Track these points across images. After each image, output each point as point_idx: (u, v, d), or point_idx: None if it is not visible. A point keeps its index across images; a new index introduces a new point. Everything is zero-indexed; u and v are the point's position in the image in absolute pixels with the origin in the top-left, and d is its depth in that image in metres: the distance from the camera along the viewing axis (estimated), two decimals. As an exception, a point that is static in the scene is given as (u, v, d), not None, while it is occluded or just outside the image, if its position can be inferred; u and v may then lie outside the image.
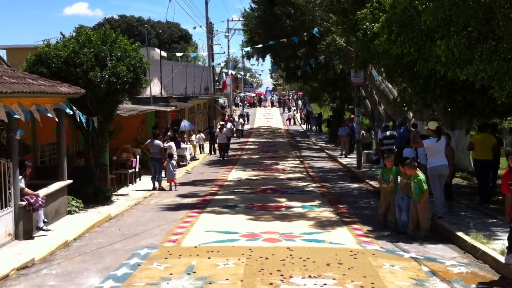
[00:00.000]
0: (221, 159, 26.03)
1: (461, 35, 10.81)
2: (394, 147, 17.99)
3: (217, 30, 56.58)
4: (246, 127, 47.01)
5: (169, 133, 19.72)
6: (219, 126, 28.25)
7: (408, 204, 10.29)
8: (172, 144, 18.12)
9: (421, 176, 10.16)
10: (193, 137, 28.09)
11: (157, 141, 17.03)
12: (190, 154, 24.48)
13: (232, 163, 24.45)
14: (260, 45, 31.17)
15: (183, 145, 23.48)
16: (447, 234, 10.36)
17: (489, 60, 10.36)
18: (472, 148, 13.11)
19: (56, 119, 11.76)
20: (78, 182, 13.24)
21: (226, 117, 36.98)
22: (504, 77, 10.21)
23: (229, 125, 29.55)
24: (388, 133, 18.65)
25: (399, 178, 10.67)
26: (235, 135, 37.01)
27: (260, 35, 34.47)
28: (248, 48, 37.46)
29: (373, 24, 13.10)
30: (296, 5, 26.64)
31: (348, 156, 24.90)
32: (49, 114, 11.05)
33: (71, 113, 12.24)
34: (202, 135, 30.39)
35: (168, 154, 17.26)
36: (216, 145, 27.86)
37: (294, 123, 53.78)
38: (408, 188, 10.27)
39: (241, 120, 42.70)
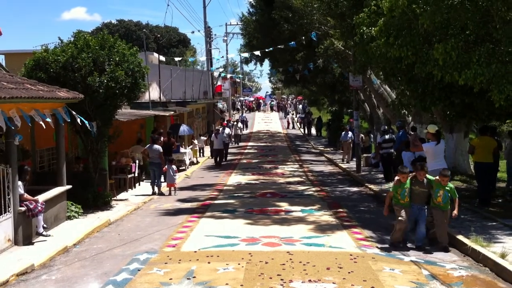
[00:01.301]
0: (218, 165, 24.91)
1: (458, 39, 10.84)
2: (392, 150, 17.98)
3: (215, 35, 56.70)
4: (245, 131, 46.78)
5: (162, 139, 19.05)
6: (214, 131, 26.80)
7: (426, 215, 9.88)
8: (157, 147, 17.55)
9: (451, 184, 9.85)
10: (195, 141, 27.90)
11: (156, 146, 17.03)
12: (189, 159, 24.45)
13: (231, 167, 24.44)
14: (258, 52, 31.18)
15: (182, 150, 23.47)
16: (447, 237, 10.35)
17: (487, 63, 10.38)
18: (473, 151, 13.12)
19: (53, 126, 11.71)
20: (78, 188, 13.24)
21: (224, 122, 35.88)
22: (502, 80, 10.23)
23: (227, 130, 28.32)
24: (387, 136, 18.61)
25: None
26: (233, 139, 36.31)
27: (258, 39, 34.53)
28: (246, 54, 37.45)
29: (370, 28, 13.13)
30: (294, 9, 26.67)
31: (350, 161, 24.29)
32: (48, 119, 11.03)
33: (68, 120, 12.24)
34: (204, 138, 30.33)
35: (168, 159, 17.26)
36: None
37: (293, 127, 53.79)
38: (423, 197, 9.81)
39: (240, 124, 41.33)
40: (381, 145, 18.69)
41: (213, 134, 26.17)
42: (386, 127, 19.92)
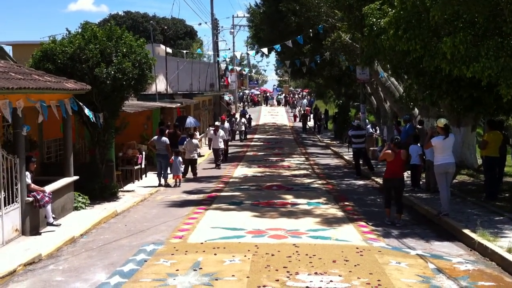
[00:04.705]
0: (216, 166, 21.50)
1: (467, 32, 10.78)
2: (363, 145, 19.20)
3: (222, 27, 56.47)
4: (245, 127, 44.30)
5: (167, 131, 19.03)
6: (214, 127, 22.94)
7: None
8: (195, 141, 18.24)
9: None
10: (197, 133, 27.70)
11: (164, 138, 17.06)
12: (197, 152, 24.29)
13: (237, 159, 24.44)
14: (265, 50, 31.14)
15: (194, 141, 23.30)
16: (453, 231, 10.35)
17: (496, 57, 10.33)
18: (485, 146, 13.03)
19: (58, 117, 11.69)
20: (85, 179, 13.27)
21: (223, 115, 33.09)
22: (511, 74, 10.18)
23: (227, 125, 25.93)
24: (357, 132, 19.24)
25: None
26: (237, 132, 35.09)
27: (265, 31, 34.40)
28: (253, 52, 37.32)
29: (379, 20, 13.07)
30: (301, 2, 26.52)
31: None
32: (54, 109, 11.09)
33: (71, 114, 12.30)
34: (212, 129, 30.03)
35: (174, 151, 17.32)
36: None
37: (300, 120, 53.64)
38: None
39: (243, 120, 37.02)
40: (351, 140, 19.33)
41: (212, 131, 22.64)
42: (357, 121, 20.61)
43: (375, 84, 25.56)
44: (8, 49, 23.45)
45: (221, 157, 22.05)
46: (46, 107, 10.83)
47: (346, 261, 8.42)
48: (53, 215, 10.96)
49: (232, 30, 53.37)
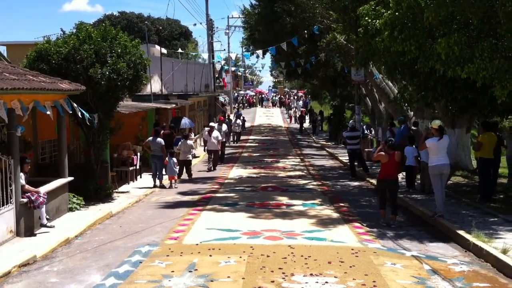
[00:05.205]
0: (210, 169, 20.98)
1: (461, 33, 10.81)
2: (358, 146, 19.07)
3: (217, 27, 56.29)
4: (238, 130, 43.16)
5: (162, 132, 18.75)
6: (208, 128, 22.32)
7: None
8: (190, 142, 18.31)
9: None
10: (192, 134, 27.68)
11: (159, 139, 17.04)
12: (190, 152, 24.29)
13: (232, 161, 24.42)
14: (260, 52, 31.16)
15: (189, 142, 23.31)
16: (448, 233, 10.37)
17: (490, 58, 10.37)
18: (480, 148, 13.07)
19: (52, 118, 11.69)
20: (79, 180, 13.23)
21: (221, 116, 32.77)
22: (505, 75, 10.21)
23: (224, 127, 24.89)
24: (352, 133, 19.21)
25: None
26: (232, 134, 33.91)
27: (260, 32, 34.42)
28: (247, 54, 37.37)
29: (374, 21, 13.10)
30: (296, 3, 26.57)
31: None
32: (48, 112, 11.04)
33: (70, 112, 12.26)
34: (207, 129, 29.91)
35: (169, 152, 17.32)
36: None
37: (295, 122, 53.71)
38: None
39: (238, 121, 36.26)
40: (346, 141, 19.40)
41: (207, 132, 22.01)
42: (353, 122, 20.61)
43: (370, 86, 25.62)
44: (2, 50, 23.37)
45: (215, 160, 21.47)
46: (43, 106, 10.81)
47: (342, 262, 8.43)
48: (47, 217, 10.92)
49: (227, 31, 53.35)
